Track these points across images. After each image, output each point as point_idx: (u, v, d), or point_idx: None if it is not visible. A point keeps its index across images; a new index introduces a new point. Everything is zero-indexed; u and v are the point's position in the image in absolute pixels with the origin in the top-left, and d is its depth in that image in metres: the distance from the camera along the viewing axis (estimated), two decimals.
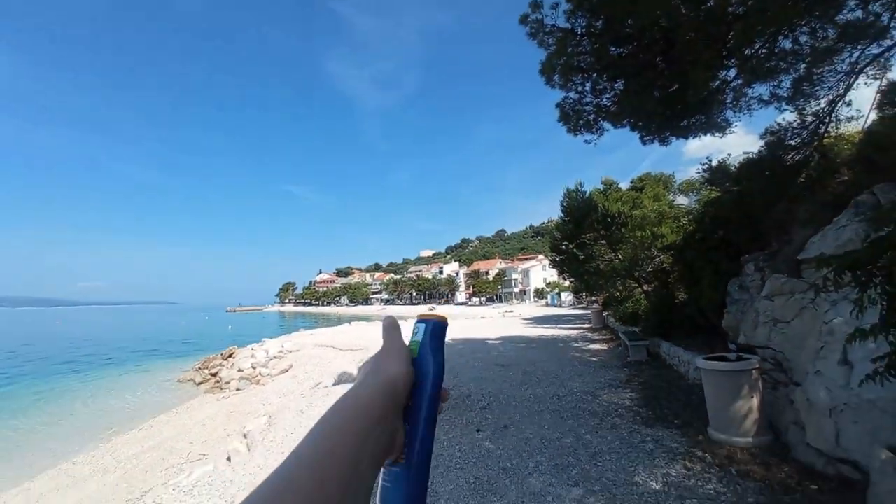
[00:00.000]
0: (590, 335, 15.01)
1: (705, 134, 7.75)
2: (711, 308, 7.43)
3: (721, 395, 4.57)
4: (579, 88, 6.45)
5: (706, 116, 6.66)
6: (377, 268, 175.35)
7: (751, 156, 7.21)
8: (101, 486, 7.27)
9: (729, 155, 8.37)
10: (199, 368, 19.66)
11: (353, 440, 0.38)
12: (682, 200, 16.16)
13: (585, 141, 7.22)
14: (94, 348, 33.34)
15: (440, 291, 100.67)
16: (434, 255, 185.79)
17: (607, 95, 6.47)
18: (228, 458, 6.06)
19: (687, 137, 7.79)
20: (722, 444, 4.41)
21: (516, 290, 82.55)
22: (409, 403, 0.47)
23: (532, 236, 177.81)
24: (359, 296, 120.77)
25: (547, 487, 3.66)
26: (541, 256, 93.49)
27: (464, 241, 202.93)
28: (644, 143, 7.20)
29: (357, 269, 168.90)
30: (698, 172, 9.41)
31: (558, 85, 6.34)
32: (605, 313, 18.09)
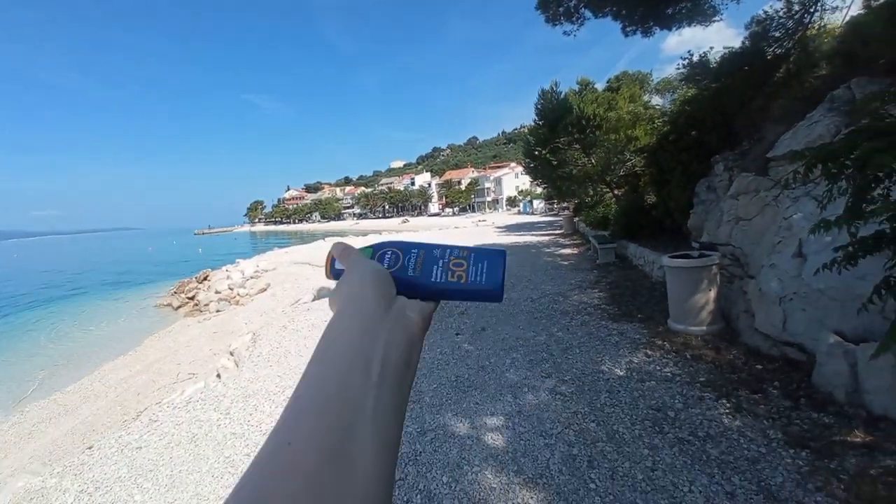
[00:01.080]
0: (561, 241, 15.47)
1: (690, 24, 7.34)
2: (679, 209, 7.64)
3: (682, 289, 4.86)
4: None
5: (692, 2, 6.21)
6: (347, 181, 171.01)
7: (732, 49, 6.91)
8: (95, 411, 7.50)
9: (711, 48, 8.02)
10: (176, 293, 19.59)
11: (349, 346, 0.32)
12: (658, 101, 15.83)
13: (565, 32, 6.72)
14: (63, 279, 32.48)
15: (413, 203, 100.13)
16: (405, 165, 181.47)
17: None
18: (218, 375, 6.27)
19: (671, 28, 7.36)
20: (679, 333, 4.80)
21: (489, 198, 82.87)
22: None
23: (504, 143, 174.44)
24: (330, 211, 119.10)
25: (523, 380, 3.96)
26: (513, 164, 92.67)
27: (435, 150, 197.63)
28: (626, 34, 6.77)
29: (327, 184, 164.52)
30: (677, 69, 9.06)
31: None
32: (576, 219, 18.51)
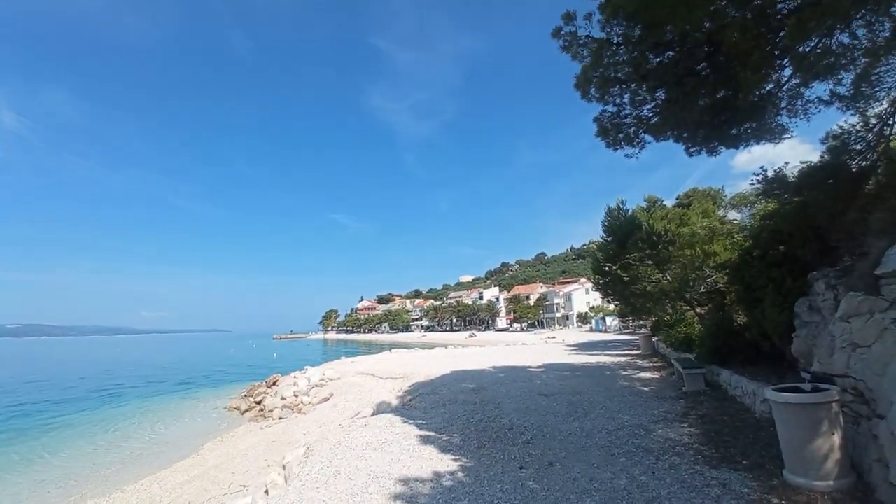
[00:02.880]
0: (639, 362, 14.10)
1: (758, 142, 7.26)
2: (777, 332, 6.74)
3: (797, 431, 4.01)
4: (617, 101, 6.21)
5: (758, 123, 6.20)
6: (417, 294, 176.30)
7: (811, 163, 6.64)
8: None
9: (786, 163, 7.77)
10: (245, 396, 20.11)
11: None
12: (734, 216, 15.25)
13: (626, 155, 6.92)
14: (151, 376, 35.05)
15: (480, 317, 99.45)
16: (474, 280, 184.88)
17: (648, 106, 6.18)
18: (266, 491, 5.98)
19: (737, 147, 7.31)
20: (800, 488, 3.85)
21: (558, 314, 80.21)
22: None
23: (573, 259, 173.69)
24: (399, 322, 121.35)
25: None
26: (583, 279, 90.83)
27: (503, 265, 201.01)
28: (690, 154, 6.80)
29: (398, 296, 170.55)
30: (752, 184, 8.80)
31: (595, 98, 6.13)
32: (654, 338, 17.05)
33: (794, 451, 4.02)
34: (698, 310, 11.46)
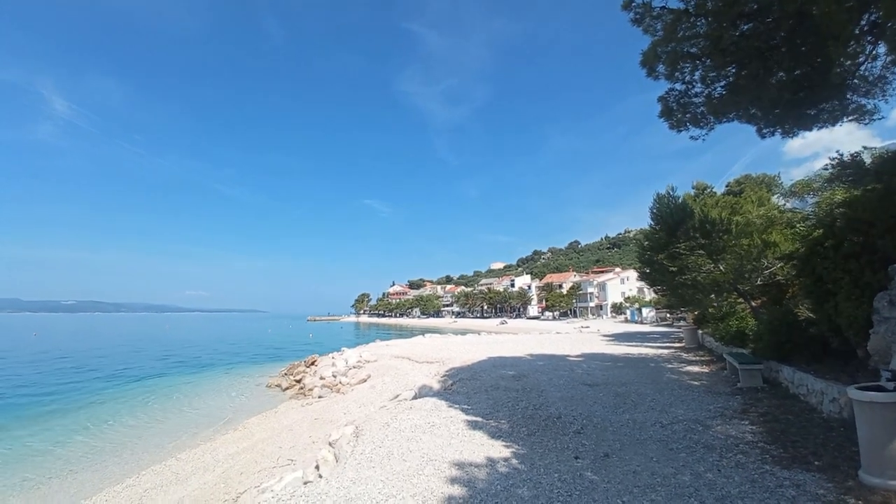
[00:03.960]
0: (684, 355, 13.62)
1: (840, 122, 6.68)
2: (852, 327, 6.29)
3: (878, 432, 3.78)
4: (687, 78, 5.83)
5: (840, 102, 5.68)
6: (448, 280, 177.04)
7: (893, 147, 6.06)
8: (202, 485, 7.74)
9: (864, 147, 7.16)
10: (286, 374, 20.82)
11: None
12: (793, 204, 14.33)
13: (692, 137, 6.51)
14: (197, 352, 36.93)
15: (511, 305, 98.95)
16: (505, 267, 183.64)
17: (720, 84, 5.76)
18: (317, 467, 6.13)
19: (812, 128, 6.77)
20: (876, 489, 3.64)
21: (592, 304, 78.71)
22: None
23: (608, 248, 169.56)
24: (430, 308, 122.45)
25: None
26: (618, 269, 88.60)
27: (535, 252, 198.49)
28: (763, 135, 6.32)
29: (429, 281, 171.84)
30: (825, 169, 8.17)
31: (663, 75, 5.77)
32: (700, 331, 16.40)
33: (873, 451, 3.80)
34: (753, 303, 10.87)
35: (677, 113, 6.23)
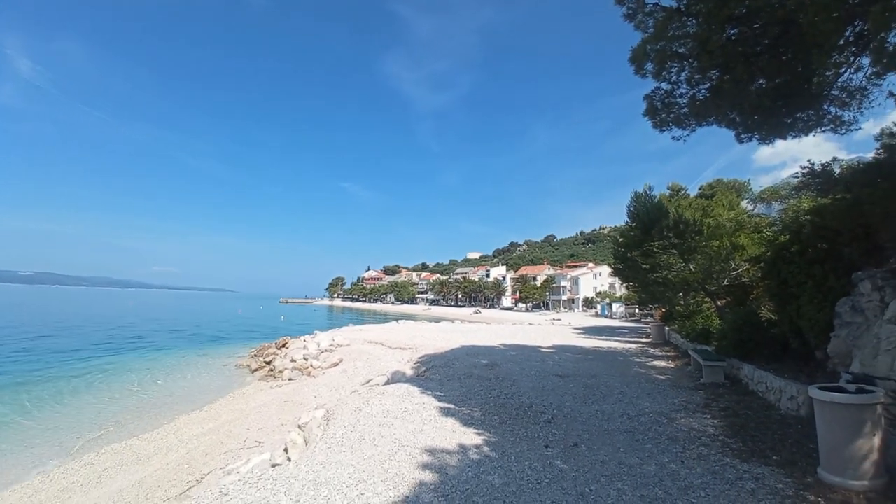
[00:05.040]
0: (651, 350, 14.04)
1: (814, 132, 6.89)
2: (813, 330, 6.58)
3: (838, 431, 3.94)
4: (673, 78, 5.88)
5: (816, 112, 5.86)
6: (424, 267, 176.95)
7: (867, 160, 6.32)
8: (164, 465, 7.55)
9: (834, 158, 7.43)
10: (255, 355, 20.48)
11: None
12: (761, 209, 14.86)
13: (674, 137, 6.61)
14: (162, 328, 35.80)
15: (486, 295, 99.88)
16: (481, 257, 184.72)
17: (705, 86, 5.84)
18: (285, 449, 6.05)
19: (788, 136, 6.97)
20: (836, 487, 3.80)
21: (564, 297, 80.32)
22: None
23: (582, 243, 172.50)
24: (405, 295, 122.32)
25: None
26: (591, 264, 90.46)
27: (512, 244, 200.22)
28: (741, 140, 6.48)
29: (404, 268, 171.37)
30: (795, 177, 8.46)
31: (650, 73, 5.81)
32: (666, 328, 16.94)
33: (832, 450, 3.95)
34: (719, 302, 11.26)
35: (661, 112, 6.29)
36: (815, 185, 8.05)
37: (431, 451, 4.60)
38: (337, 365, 15.40)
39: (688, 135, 6.57)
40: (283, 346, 20.87)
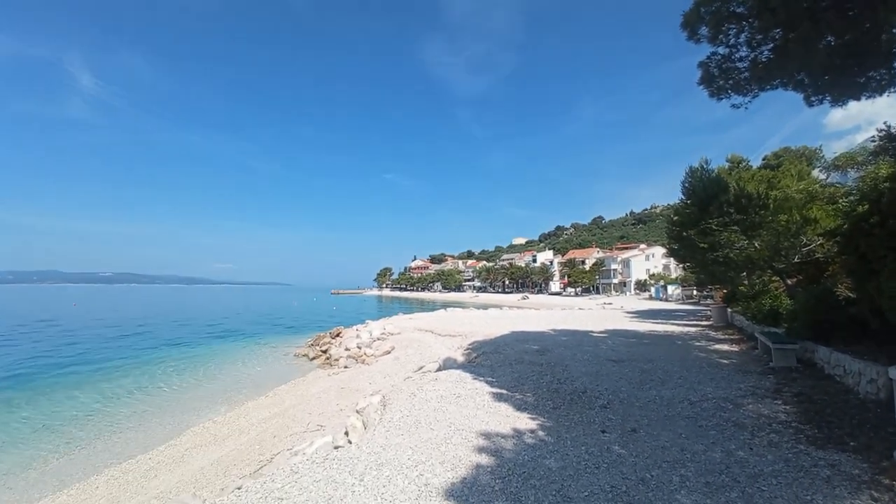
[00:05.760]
0: (712, 334, 13.35)
1: (888, 91, 6.21)
2: (894, 308, 6.01)
3: None
4: (731, 41, 5.46)
5: (888, 70, 5.23)
6: (470, 255, 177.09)
7: None
8: (238, 446, 8.15)
9: None
10: (312, 345, 21.47)
11: None
12: (835, 178, 13.60)
13: (733, 105, 6.17)
14: (228, 323, 38.36)
15: (533, 280, 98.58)
16: (527, 242, 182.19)
17: (767, 47, 5.37)
18: (346, 433, 6.36)
19: (862, 96, 6.31)
20: None
21: (615, 280, 77.67)
22: None
23: (633, 224, 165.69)
24: (452, 282, 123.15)
25: None
26: (643, 245, 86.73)
27: (558, 228, 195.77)
28: (811, 104, 5.93)
29: (450, 256, 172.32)
30: (872, 141, 7.68)
31: (705, 38, 5.42)
32: (729, 310, 16.01)
33: None
34: (788, 281, 10.47)
35: (719, 79, 5.86)
36: (892, 150, 7.28)
37: (486, 435, 4.68)
38: (389, 353, 15.86)
39: (749, 102, 6.09)
40: (338, 335, 21.73)
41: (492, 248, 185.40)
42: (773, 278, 12.01)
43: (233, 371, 16.68)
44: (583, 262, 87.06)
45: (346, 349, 17.46)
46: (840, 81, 5.88)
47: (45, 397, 12.91)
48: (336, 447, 5.79)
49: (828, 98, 5.85)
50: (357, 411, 7.12)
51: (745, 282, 13.98)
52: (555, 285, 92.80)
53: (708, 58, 5.87)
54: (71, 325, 35.25)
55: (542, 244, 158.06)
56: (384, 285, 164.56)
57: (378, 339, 18.51)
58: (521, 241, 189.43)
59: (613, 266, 79.07)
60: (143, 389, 13.95)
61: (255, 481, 4.02)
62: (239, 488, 3.92)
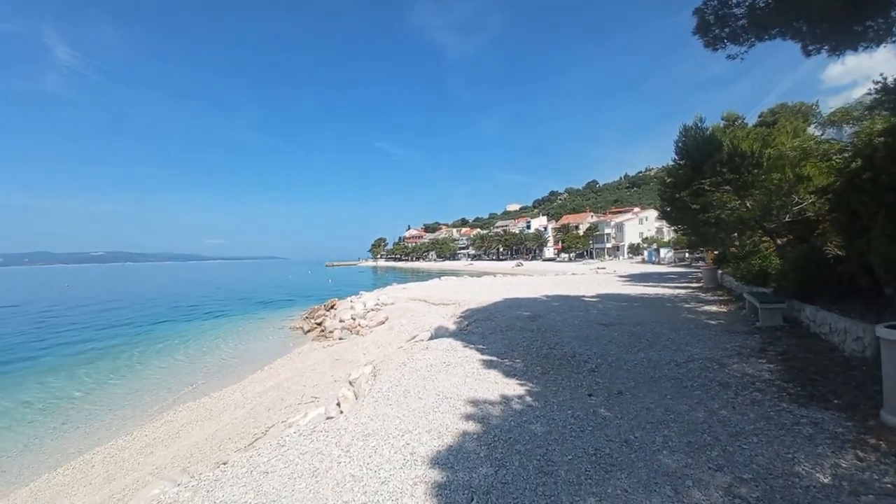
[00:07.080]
0: (702, 295, 13.49)
1: (885, 43, 5.98)
2: (884, 265, 5.99)
3: None
4: None
5: (887, 19, 4.99)
6: (464, 223, 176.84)
7: None
8: (233, 420, 8.23)
9: None
10: (307, 318, 21.56)
11: None
12: (831, 134, 13.40)
13: (729, 56, 5.91)
14: (221, 297, 38.39)
15: (527, 247, 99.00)
16: (521, 208, 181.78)
17: None
18: (338, 404, 6.41)
19: (859, 47, 6.07)
20: None
21: (609, 245, 78.13)
22: None
23: (627, 187, 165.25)
24: (446, 251, 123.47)
25: (683, 469, 3.17)
26: (636, 209, 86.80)
27: (552, 193, 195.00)
28: (808, 53, 5.70)
29: (444, 225, 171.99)
30: (868, 94, 7.47)
31: None
32: (719, 271, 16.12)
33: None
34: (779, 241, 10.46)
35: (715, 28, 5.59)
36: (888, 103, 7.10)
37: (474, 403, 4.70)
38: (383, 323, 15.95)
39: (745, 52, 5.84)
40: (332, 307, 21.81)
41: (486, 216, 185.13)
42: (764, 239, 12.00)
43: (227, 346, 16.76)
44: (577, 228, 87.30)
45: (341, 321, 17.54)
46: (837, 29, 5.64)
47: (35, 380, 12.94)
48: (328, 418, 5.83)
49: (825, 48, 5.61)
50: (350, 382, 7.16)
51: (736, 243, 14.00)
52: (549, 251, 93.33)
53: (704, 4, 5.58)
54: (62, 306, 35.15)
55: (535, 210, 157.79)
56: (379, 256, 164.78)
57: (372, 309, 18.58)
58: (515, 207, 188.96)
59: (607, 230, 79.35)
60: (138, 367, 14.01)
61: (242, 455, 4.03)
62: (225, 463, 3.93)
